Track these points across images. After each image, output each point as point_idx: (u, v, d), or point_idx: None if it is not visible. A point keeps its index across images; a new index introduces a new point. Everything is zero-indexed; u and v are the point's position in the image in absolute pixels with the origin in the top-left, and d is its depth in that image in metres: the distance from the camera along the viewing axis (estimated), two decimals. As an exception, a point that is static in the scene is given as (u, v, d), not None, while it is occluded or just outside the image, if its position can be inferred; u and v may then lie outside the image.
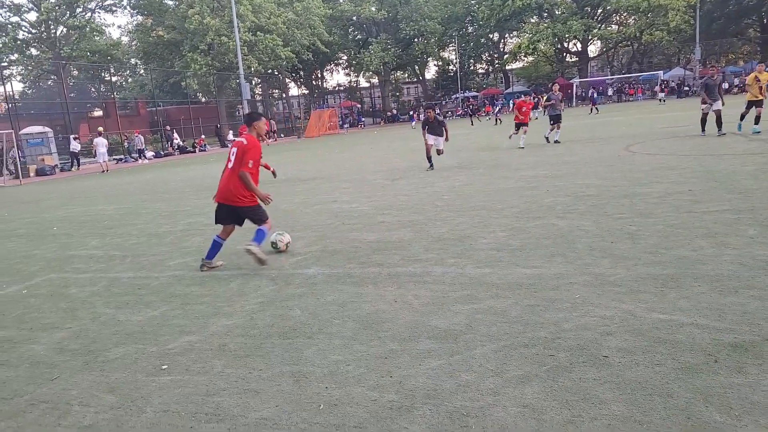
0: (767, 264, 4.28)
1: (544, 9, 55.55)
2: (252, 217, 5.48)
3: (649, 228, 5.63)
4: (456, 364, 3.13)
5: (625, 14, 55.05)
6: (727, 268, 4.29)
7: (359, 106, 67.97)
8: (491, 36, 61.51)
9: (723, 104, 14.00)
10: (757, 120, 13.49)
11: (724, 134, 13.54)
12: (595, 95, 42.89)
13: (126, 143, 34.69)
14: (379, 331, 3.68)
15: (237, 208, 5.39)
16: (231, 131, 41.42)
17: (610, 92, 54.34)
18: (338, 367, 3.22)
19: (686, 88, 49.25)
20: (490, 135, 24.73)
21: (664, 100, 41.01)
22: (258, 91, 60.95)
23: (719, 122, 13.66)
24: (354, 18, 57.52)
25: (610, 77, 57.14)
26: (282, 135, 46.20)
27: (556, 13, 55.06)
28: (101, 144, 25.73)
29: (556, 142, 16.22)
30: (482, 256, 5.20)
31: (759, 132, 13.35)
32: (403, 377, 3.03)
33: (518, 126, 16.42)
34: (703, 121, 14.21)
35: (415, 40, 59.07)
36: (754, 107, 13.71)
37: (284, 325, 3.97)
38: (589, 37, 54.73)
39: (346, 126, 51.86)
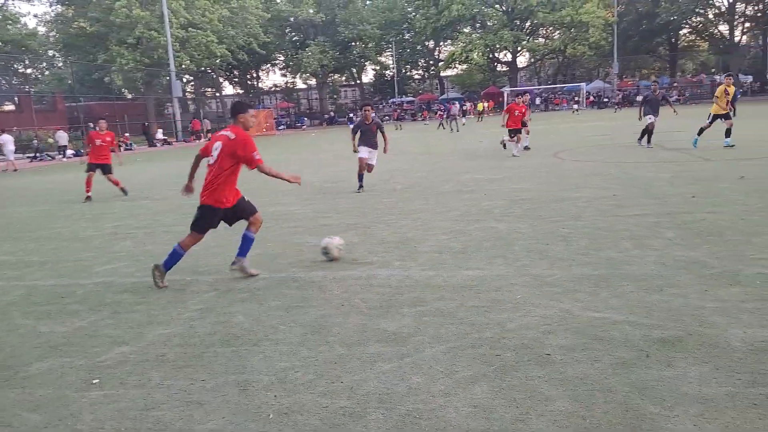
0: (686, 264, 4.61)
1: (478, 20, 57.41)
2: (237, 214, 4.95)
3: (580, 231, 5.92)
4: (406, 366, 3.15)
5: (551, 28, 57.79)
6: (651, 268, 4.58)
7: (296, 107, 67.25)
8: (427, 43, 62.75)
9: (676, 113, 15.19)
10: (728, 133, 12.96)
11: (651, 147, 13.79)
12: (455, 111, 43.91)
13: (35, 141, 32.24)
14: (327, 336, 3.64)
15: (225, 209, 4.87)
16: (160, 129, 39.77)
17: (538, 101, 56.71)
18: (286, 375, 3.16)
19: (605, 100, 52.25)
20: (426, 139, 25.15)
21: (579, 111, 43.58)
22: (190, 89, 58.92)
23: (650, 136, 14.06)
24: (292, 19, 56.88)
25: (537, 87, 59.66)
26: (215, 135, 44.80)
27: (488, 24, 56.98)
28: (8, 141, 24.01)
29: (526, 148, 15.41)
30: (426, 258, 5.28)
31: (733, 145, 12.74)
32: (354, 382, 3.02)
33: (513, 132, 14.42)
34: (649, 133, 14.14)
35: (353, 43, 59.27)
36: (720, 120, 13.11)
37: (227, 332, 3.85)
38: (519, 49, 57.03)
39: (282, 127, 50.98)
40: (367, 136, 9.70)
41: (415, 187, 10.09)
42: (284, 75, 66.53)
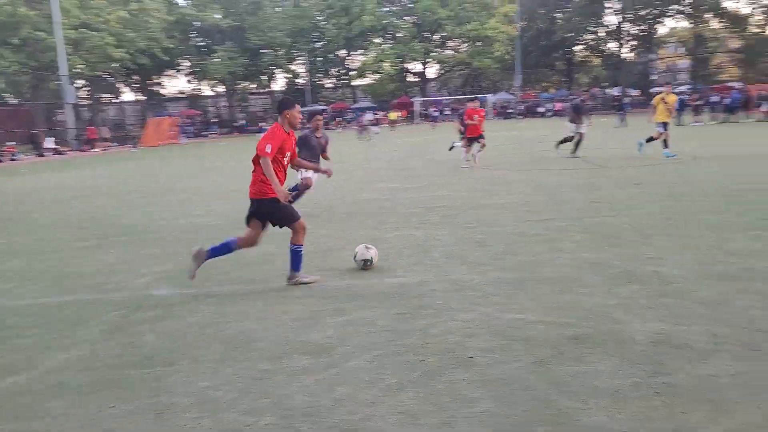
0: (593, 265, 4.92)
1: (389, 31, 58.53)
2: (274, 218, 4.69)
3: (495, 236, 6.16)
4: (332, 378, 3.10)
5: (458, 41, 60.02)
6: (562, 270, 4.84)
7: (203, 115, 64.68)
8: (339, 52, 62.94)
9: (590, 124, 14.49)
10: (665, 144, 12.88)
11: (578, 157, 13.47)
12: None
13: None
14: (249, 351, 3.51)
15: (258, 202, 4.68)
16: (51, 138, 36.75)
17: (447, 111, 58.62)
18: (207, 394, 3.01)
19: (510, 111, 54.99)
20: (338, 148, 25.15)
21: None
22: (84, 94, 54.98)
23: (578, 144, 13.86)
24: (197, 23, 54.87)
25: (447, 98, 61.65)
26: (115, 143, 42.06)
27: (399, 35, 58.25)
28: None
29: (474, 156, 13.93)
30: (346, 267, 5.25)
31: (675, 155, 12.60)
32: (279, 397, 2.93)
33: (471, 140, 13.13)
34: (578, 142, 13.91)
35: (263, 50, 58.14)
36: (661, 128, 12.98)
37: (138, 353, 3.61)
38: (428, 60, 58.77)
39: (184, 135, 48.20)
40: (315, 152, 7.75)
41: (335, 193, 10.04)
42: (190, 81, 63.73)
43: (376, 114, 40.09)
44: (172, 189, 12.86)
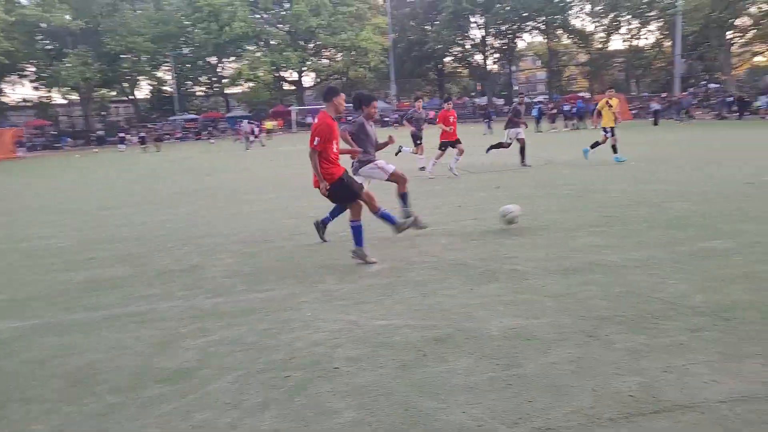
0: (456, 266, 5.15)
1: (262, 38, 57.36)
2: (338, 197, 5.52)
3: (368, 242, 6.21)
4: (190, 404, 2.92)
5: (333, 50, 60.50)
6: (428, 272, 5.02)
7: (54, 125, 58.60)
8: (209, 59, 60.46)
9: (526, 126, 13.59)
10: (615, 149, 12.94)
11: (529, 166, 13.02)
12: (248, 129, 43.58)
13: None
14: (94, 385, 3.19)
15: (331, 185, 5.34)
16: None
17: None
18: (41, 438, 2.68)
19: (386, 119, 56.46)
20: (211, 160, 24.19)
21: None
22: None
23: (523, 152, 13.30)
24: (43, 25, 49.65)
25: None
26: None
27: (273, 43, 57.36)
28: None
29: (422, 169, 13.05)
30: (213, 285, 5.01)
31: (624, 160, 12.72)
32: (129, 431, 2.69)
33: (445, 145, 12.09)
34: (521, 149, 13.32)
35: (123, 56, 54.11)
36: (605, 132, 12.98)
37: (-41, 399, 3.14)
38: (304, 69, 58.49)
39: (23, 148, 42.28)
40: (371, 140, 6.66)
41: (201, 210, 9.58)
42: (37, 88, 57.21)
43: (251, 123, 39.06)
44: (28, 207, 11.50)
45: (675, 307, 3.86)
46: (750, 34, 45.62)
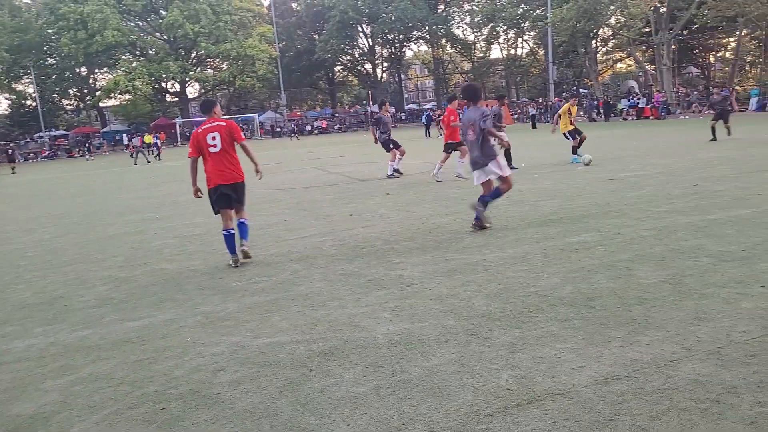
0: (344, 276, 5.13)
1: (138, 47, 54.02)
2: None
3: (253, 259, 6.02)
4: (46, 454, 2.62)
5: (218, 60, 58.50)
6: (316, 285, 4.95)
7: None
8: (78, 70, 55.78)
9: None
10: (574, 150, 13.02)
11: (516, 168, 12.29)
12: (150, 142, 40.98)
13: None
14: (-71, 446, 2.78)
15: None
16: None
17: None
18: None
19: (278, 129, 55.60)
20: (82, 177, 22.36)
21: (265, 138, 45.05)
22: None
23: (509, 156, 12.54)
24: None
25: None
26: None
27: (151, 53, 54.25)
28: None
29: (396, 172, 12.84)
30: (80, 317, 4.58)
31: (588, 163, 12.26)
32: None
33: (450, 147, 11.46)
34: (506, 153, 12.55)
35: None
36: (568, 136, 13.12)
37: None
38: (187, 79, 55.92)
39: None
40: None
41: (70, 234, 8.78)
42: None
43: (132, 136, 36.60)
44: None
45: (547, 300, 4.11)
46: (611, 43, 50.63)
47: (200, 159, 5.77)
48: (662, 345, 3.24)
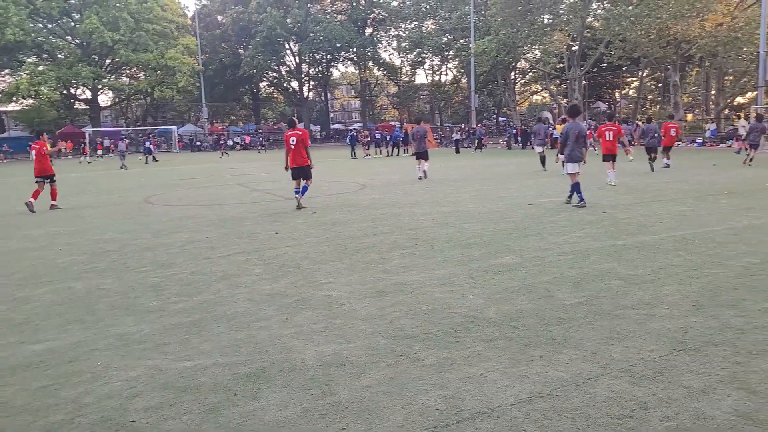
0: (270, 297, 5.00)
1: (45, 50, 50.46)
2: None
3: (172, 278, 5.75)
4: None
5: (135, 69, 55.91)
6: (241, 305, 4.78)
7: None
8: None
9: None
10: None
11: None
12: (123, 147, 38.13)
13: None
14: None
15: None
16: None
17: (122, 146, 53.35)
18: None
19: (198, 144, 53.75)
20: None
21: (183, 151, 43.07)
22: None
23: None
24: None
25: (125, 128, 56.72)
26: None
27: (60, 56, 50.87)
28: None
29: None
30: (-29, 339, 4.14)
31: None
32: None
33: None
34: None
35: None
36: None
37: None
38: (99, 86, 52.89)
39: None
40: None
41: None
42: None
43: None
44: None
45: (473, 320, 4.21)
46: (528, 76, 53.62)
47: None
48: (580, 363, 3.40)
